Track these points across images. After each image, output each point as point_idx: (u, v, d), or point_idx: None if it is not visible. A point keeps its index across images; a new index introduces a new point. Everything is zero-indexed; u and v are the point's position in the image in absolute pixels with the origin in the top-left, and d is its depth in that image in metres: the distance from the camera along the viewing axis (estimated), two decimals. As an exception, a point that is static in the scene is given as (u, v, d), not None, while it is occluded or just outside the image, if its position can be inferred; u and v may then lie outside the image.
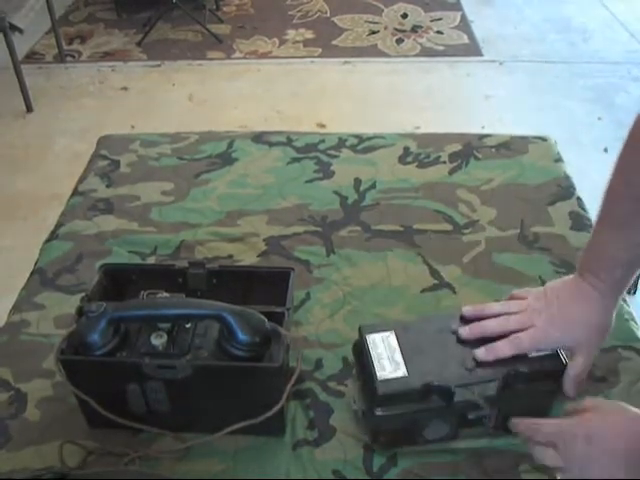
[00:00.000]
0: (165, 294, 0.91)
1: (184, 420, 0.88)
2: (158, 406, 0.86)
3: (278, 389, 0.83)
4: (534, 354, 0.85)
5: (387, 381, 0.81)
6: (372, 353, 0.84)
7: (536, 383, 0.84)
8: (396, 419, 0.83)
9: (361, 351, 0.86)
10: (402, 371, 0.82)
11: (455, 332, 0.87)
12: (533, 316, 0.86)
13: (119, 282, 0.98)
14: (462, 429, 0.85)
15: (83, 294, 0.93)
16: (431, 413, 0.82)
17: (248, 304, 0.87)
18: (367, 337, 0.86)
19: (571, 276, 0.91)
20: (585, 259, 0.90)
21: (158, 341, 0.85)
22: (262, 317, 0.86)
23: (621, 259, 0.86)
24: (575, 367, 0.84)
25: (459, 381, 0.81)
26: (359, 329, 0.88)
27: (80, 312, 0.88)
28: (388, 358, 0.84)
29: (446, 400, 0.81)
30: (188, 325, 0.87)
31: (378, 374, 0.81)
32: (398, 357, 0.84)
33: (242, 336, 0.83)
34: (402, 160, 1.38)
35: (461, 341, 0.86)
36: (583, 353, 0.84)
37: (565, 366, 0.84)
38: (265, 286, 0.95)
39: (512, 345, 0.84)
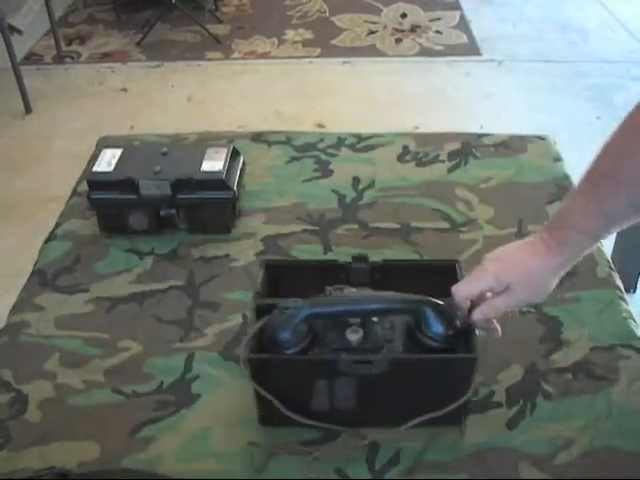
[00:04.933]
0: (352, 289, 0.90)
1: (365, 416, 0.87)
2: (342, 403, 0.85)
3: (467, 380, 0.83)
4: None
5: (97, 173, 1.18)
6: (99, 160, 1.20)
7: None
8: (105, 204, 1.18)
9: None
10: (110, 169, 1.18)
11: (165, 153, 1.21)
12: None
13: (275, 278, 0.96)
14: (164, 230, 1.10)
15: (254, 291, 0.91)
16: (127, 202, 1.15)
17: None
18: (103, 150, 1.22)
19: None
20: (549, 221, 0.88)
21: (353, 337, 0.84)
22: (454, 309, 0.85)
23: (579, 225, 0.83)
24: (492, 303, 0.85)
25: (148, 177, 1.14)
26: None
27: (260, 310, 0.86)
28: (107, 162, 1.19)
29: (136, 192, 1.14)
30: (375, 319, 0.86)
31: (94, 169, 1.19)
32: (113, 162, 1.19)
33: (439, 328, 0.83)
34: (401, 159, 1.38)
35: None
36: (507, 295, 0.84)
37: None
38: (428, 279, 0.93)
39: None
